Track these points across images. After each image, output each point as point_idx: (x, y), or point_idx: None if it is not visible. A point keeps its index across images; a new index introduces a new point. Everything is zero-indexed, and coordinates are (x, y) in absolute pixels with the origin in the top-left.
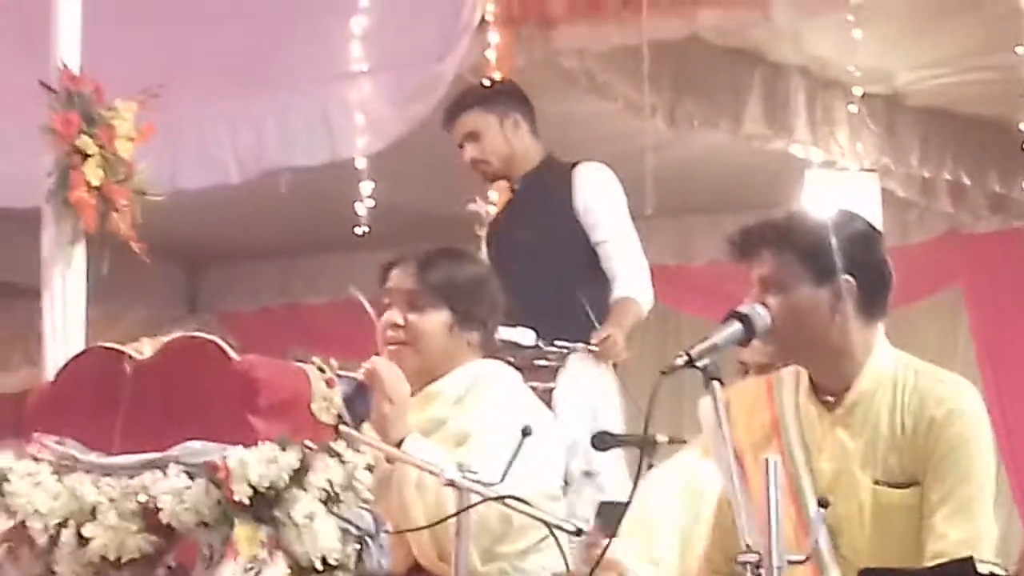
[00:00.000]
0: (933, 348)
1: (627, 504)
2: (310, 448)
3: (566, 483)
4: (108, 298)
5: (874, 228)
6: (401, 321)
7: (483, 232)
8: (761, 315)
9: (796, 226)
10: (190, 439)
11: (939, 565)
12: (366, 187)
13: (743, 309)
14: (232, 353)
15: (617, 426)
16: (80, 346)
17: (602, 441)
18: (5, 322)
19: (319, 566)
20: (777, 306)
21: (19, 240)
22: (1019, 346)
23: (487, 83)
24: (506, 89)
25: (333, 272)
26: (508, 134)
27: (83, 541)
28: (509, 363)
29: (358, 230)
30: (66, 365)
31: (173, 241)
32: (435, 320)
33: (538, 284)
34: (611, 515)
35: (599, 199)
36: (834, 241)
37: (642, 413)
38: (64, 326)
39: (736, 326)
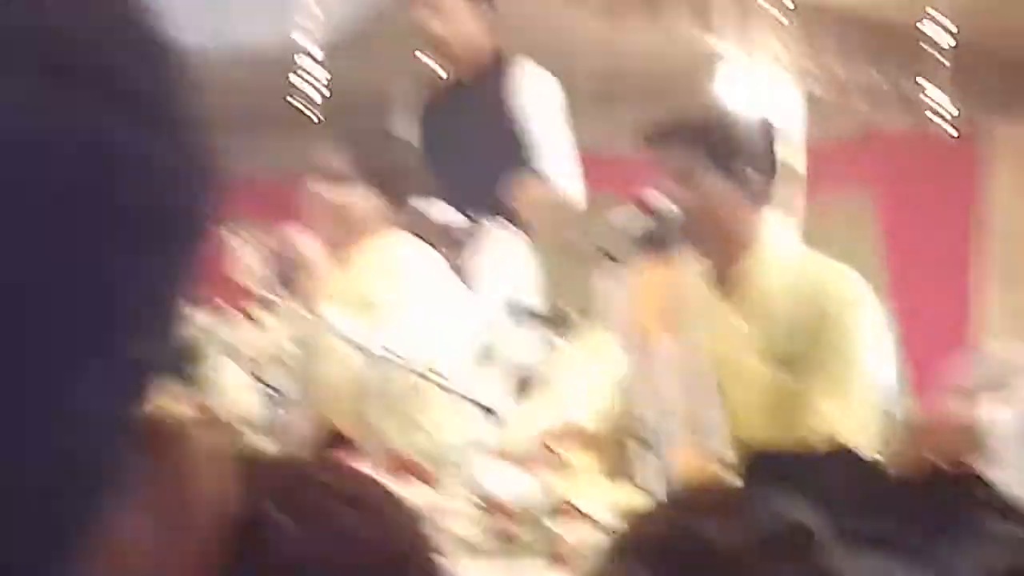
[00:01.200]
0: (842, 241)
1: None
2: (230, 311)
3: (483, 355)
4: None
5: (771, 124)
6: (324, 194)
7: (417, 109)
8: (667, 205)
9: (706, 121)
10: None
11: (825, 448)
12: (316, 69)
13: (651, 200)
14: None
15: (535, 300)
16: None
17: (518, 313)
18: None
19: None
20: (685, 196)
21: None
22: (922, 243)
23: None
24: None
25: (279, 149)
26: (472, 20)
27: None
28: (428, 239)
29: (309, 114)
30: None
31: None
32: (347, 194)
33: (471, 175)
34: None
35: (538, 98)
36: (741, 136)
37: (557, 288)
38: None
39: (643, 216)
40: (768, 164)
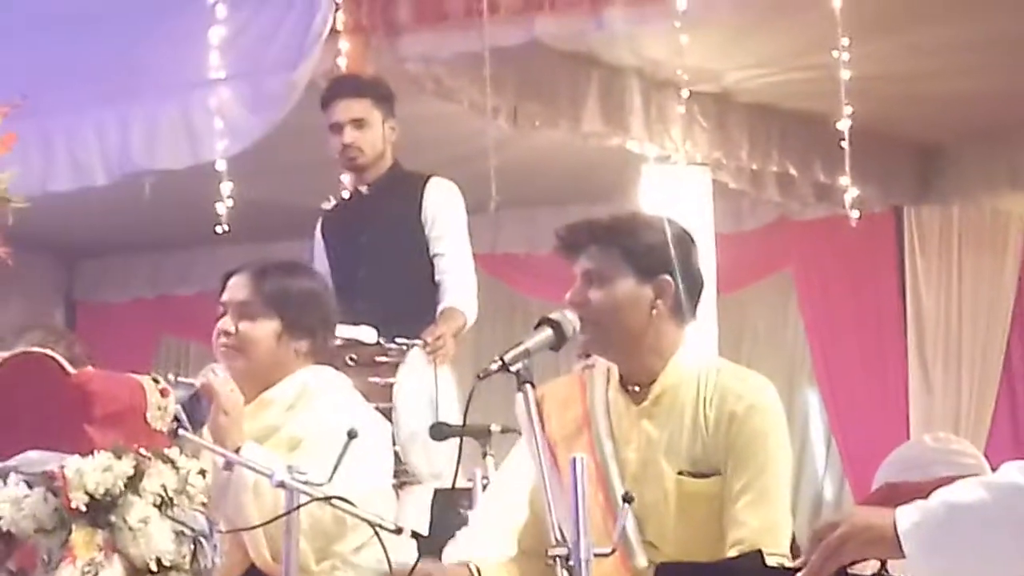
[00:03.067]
0: (766, 326)
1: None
2: (144, 456)
3: (402, 476)
4: None
5: (691, 236)
6: (232, 329)
7: (319, 225)
8: (570, 320)
9: (623, 225)
10: (29, 449)
11: (731, 558)
12: (226, 187)
13: (554, 316)
14: (69, 367)
15: (455, 417)
16: None
17: (439, 432)
18: None
19: (154, 567)
20: (598, 298)
21: None
22: (842, 322)
23: (375, 79)
24: (390, 92)
25: (201, 264)
26: (385, 134)
27: None
28: (342, 367)
29: (219, 228)
30: None
31: (49, 238)
32: (265, 329)
33: (381, 285)
34: (445, 500)
35: (445, 214)
36: (658, 242)
37: (482, 404)
38: None
39: (547, 332)
40: (690, 277)
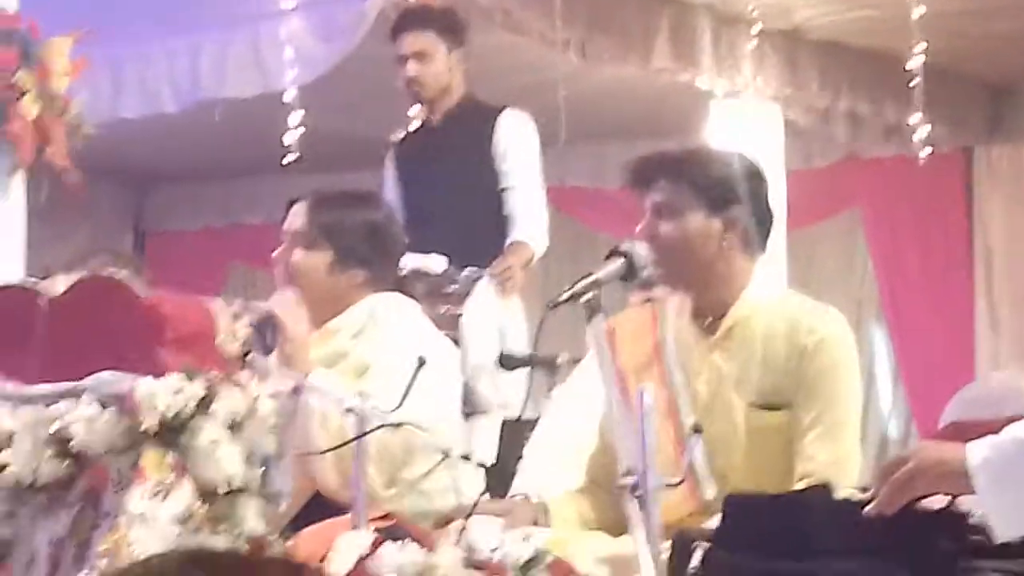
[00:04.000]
0: (834, 262)
1: (524, 421)
2: (215, 378)
3: (469, 406)
4: (58, 219)
5: (761, 170)
6: (288, 258)
7: (390, 154)
8: (641, 251)
9: (693, 158)
10: (102, 371)
11: (799, 491)
12: (296, 117)
13: (624, 246)
14: (139, 291)
15: (523, 348)
16: (20, 270)
17: (507, 362)
18: None
19: (224, 489)
20: (669, 231)
21: None
22: (910, 260)
23: (443, 9)
24: (459, 23)
25: (271, 193)
26: (452, 65)
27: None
28: (409, 294)
29: (287, 158)
30: None
31: (118, 165)
32: (316, 258)
33: (452, 216)
34: (513, 430)
35: (517, 148)
36: (730, 175)
37: (551, 334)
38: (4, 252)
39: (618, 262)
40: (761, 212)
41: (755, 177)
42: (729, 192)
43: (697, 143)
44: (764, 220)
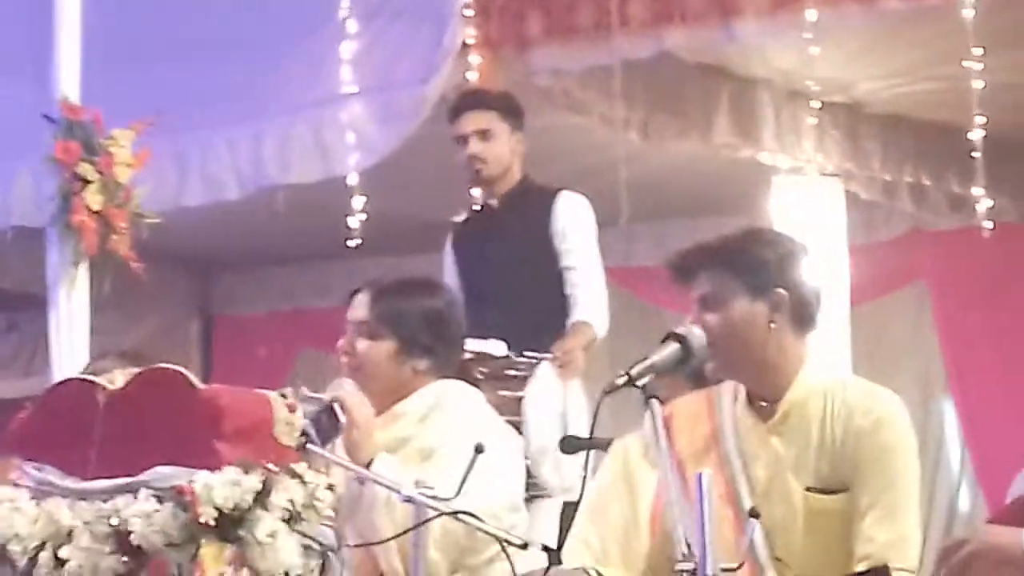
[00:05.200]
0: (900, 336)
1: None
2: (272, 470)
3: (532, 489)
4: (124, 306)
5: (803, 247)
6: (351, 348)
7: (449, 237)
8: (697, 335)
9: (731, 246)
10: (160, 464)
11: (858, 574)
12: (358, 201)
13: (680, 330)
14: (198, 383)
15: (585, 431)
16: (84, 359)
17: (569, 445)
18: (29, 331)
19: None
20: (716, 322)
21: (38, 255)
22: (979, 334)
23: (503, 93)
24: (518, 106)
25: (337, 277)
26: (513, 146)
27: (59, 563)
28: (472, 379)
29: (351, 242)
30: (44, 395)
31: (184, 252)
32: (380, 349)
33: (512, 298)
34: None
35: (575, 228)
36: (768, 258)
37: (611, 416)
38: (69, 341)
39: (673, 346)
40: (804, 290)
41: (796, 253)
42: (771, 275)
43: (741, 225)
44: (811, 296)
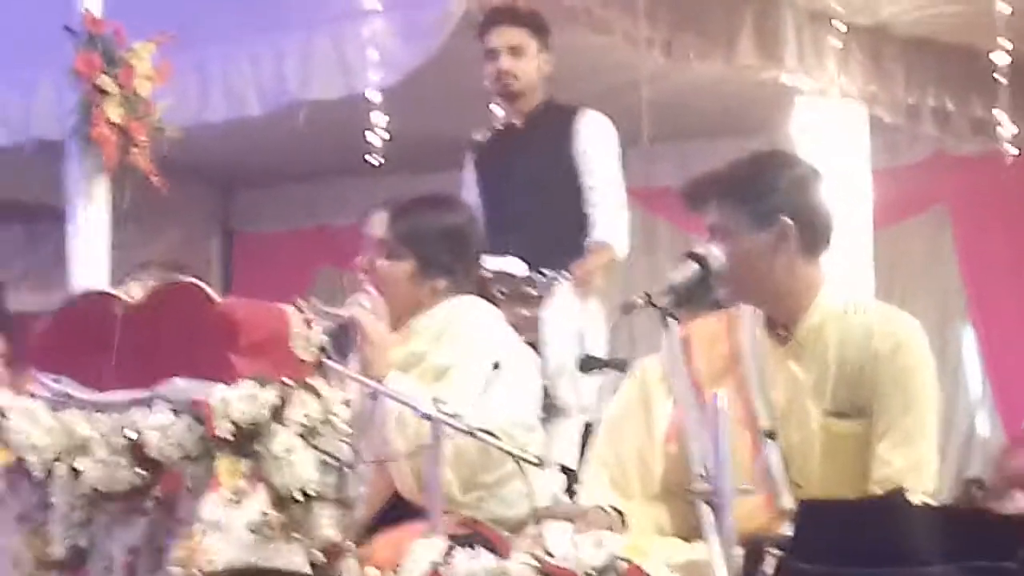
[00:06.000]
0: (921, 260)
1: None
2: (288, 385)
3: (550, 409)
4: (144, 221)
5: (814, 170)
6: (370, 266)
7: (472, 156)
8: (716, 256)
9: (738, 173)
10: (175, 376)
11: (874, 497)
12: (380, 118)
13: (699, 250)
14: (214, 296)
15: (603, 351)
16: (105, 273)
17: (587, 364)
18: (48, 243)
19: (298, 496)
20: (725, 252)
21: (58, 167)
22: (1000, 260)
23: (531, 10)
24: (545, 24)
25: (359, 195)
26: (540, 64)
27: (76, 474)
28: (491, 298)
29: (372, 160)
30: (61, 308)
31: (205, 168)
32: (399, 268)
33: (532, 217)
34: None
35: (596, 148)
36: (773, 185)
37: (627, 338)
38: (88, 255)
39: (692, 266)
40: (814, 214)
41: (808, 178)
42: (778, 203)
43: (739, 159)
44: (823, 220)
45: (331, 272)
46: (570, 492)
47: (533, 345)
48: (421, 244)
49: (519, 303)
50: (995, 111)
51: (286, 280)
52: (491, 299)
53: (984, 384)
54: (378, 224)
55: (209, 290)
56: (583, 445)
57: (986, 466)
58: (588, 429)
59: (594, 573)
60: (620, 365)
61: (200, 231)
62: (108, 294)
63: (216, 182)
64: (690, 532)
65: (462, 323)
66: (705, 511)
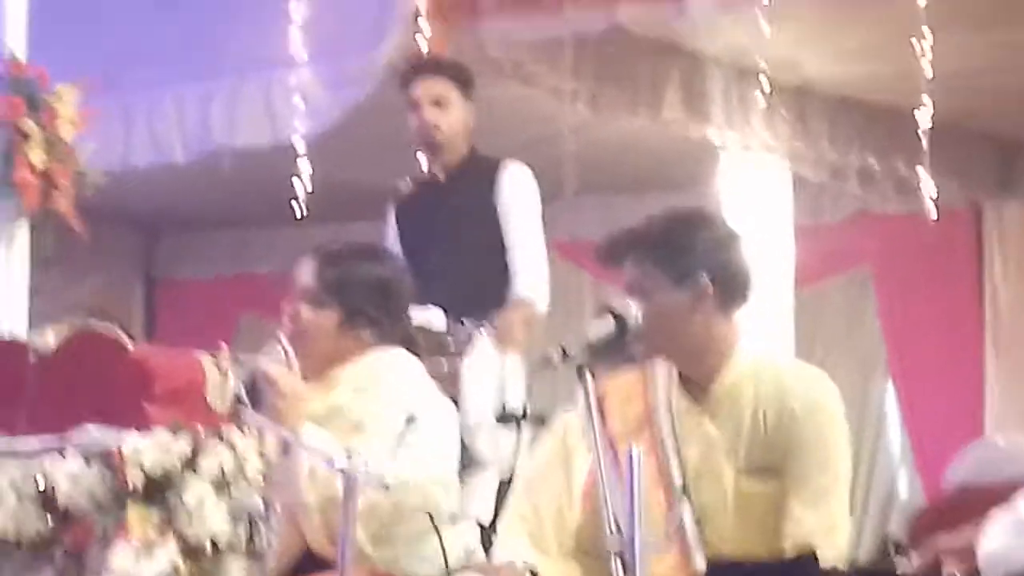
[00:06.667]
0: (843, 320)
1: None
2: (201, 434)
3: (465, 465)
4: (67, 266)
5: (732, 229)
6: (295, 314)
7: (393, 206)
8: (633, 312)
9: (654, 231)
10: (88, 424)
11: (785, 560)
12: (305, 166)
13: (616, 305)
14: (128, 344)
15: (523, 404)
16: (23, 319)
17: (505, 418)
18: None
19: (209, 547)
20: (641, 309)
21: None
22: (921, 319)
23: (455, 61)
24: (470, 76)
25: (284, 243)
26: (465, 117)
27: None
28: (412, 350)
29: (297, 208)
30: None
31: (129, 213)
32: (324, 317)
33: (453, 268)
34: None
35: (518, 201)
36: (690, 244)
37: (550, 390)
38: (7, 299)
39: (610, 323)
40: (732, 273)
41: (725, 237)
42: (695, 262)
43: (656, 217)
44: (739, 277)
45: (254, 320)
46: (486, 546)
47: (453, 398)
48: (348, 294)
49: (440, 354)
50: (918, 169)
51: (208, 327)
52: (416, 352)
53: (904, 442)
54: (305, 272)
55: (123, 337)
56: (500, 499)
57: (904, 526)
58: (506, 483)
59: None
60: (539, 419)
61: (123, 277)
62: (21, 342)
63: (140, 228)
64: None
65: (382, 376)
66: (617, 568)
